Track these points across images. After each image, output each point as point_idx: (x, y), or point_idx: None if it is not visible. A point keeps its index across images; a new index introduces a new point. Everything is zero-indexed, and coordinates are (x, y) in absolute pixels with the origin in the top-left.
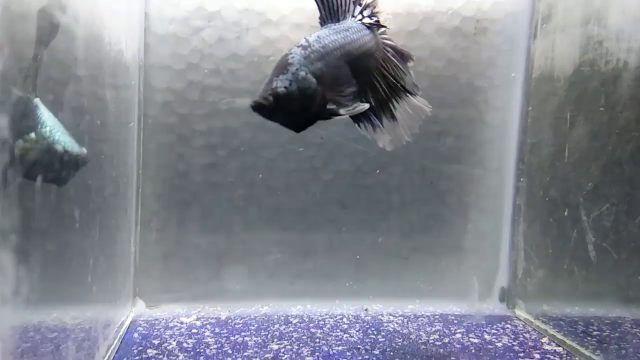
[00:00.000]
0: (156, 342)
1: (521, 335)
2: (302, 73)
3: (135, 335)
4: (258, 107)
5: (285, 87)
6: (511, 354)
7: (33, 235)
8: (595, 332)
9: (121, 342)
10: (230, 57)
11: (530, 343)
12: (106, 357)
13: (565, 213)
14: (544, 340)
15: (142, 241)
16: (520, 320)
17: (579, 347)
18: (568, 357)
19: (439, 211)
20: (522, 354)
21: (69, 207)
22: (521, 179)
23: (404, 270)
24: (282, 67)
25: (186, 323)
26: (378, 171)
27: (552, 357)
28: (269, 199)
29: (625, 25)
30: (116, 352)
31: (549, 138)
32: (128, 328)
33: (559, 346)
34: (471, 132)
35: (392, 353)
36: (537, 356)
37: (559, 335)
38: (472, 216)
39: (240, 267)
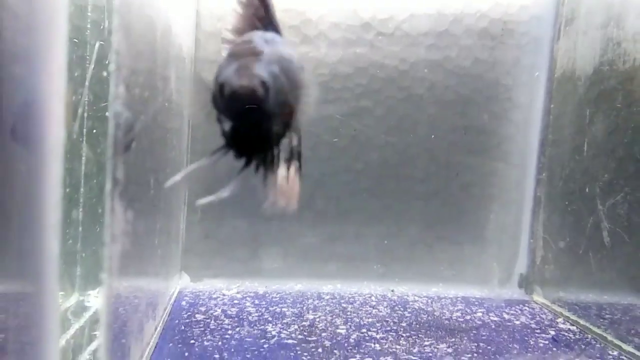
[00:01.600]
0: (203, 309)
1: (538, 316)
2: (275, 69)
3: (183, 303)
4: (251, 95)
5: (270, 77)
6: (528, 330)
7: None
8: (607, 316)
9: (172, 308)
10: None
11: (546, 322)
12: (162, 319)
13: (583, 203)
14: (559, 320)
15: (188, 220)
16: (537, 304)
17: (591, 327)
18: (581, 334)
19: (463, 202)
20: (538, 330)
21: (145, 174)
22: (542, 173)
23: (428, 256)
24: (253, 52)
25: (228, 295)
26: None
27: (566, 334)
28: (304, 186)
29: None
30: (168, 316)
31: (570, 134)
32: (176, 298)
33: (573, 325)
34: (495, 127)
35: (417, 326)
36: (553, 332)
37: (573, 317)
38: (494, 207)
39: (276, 249)
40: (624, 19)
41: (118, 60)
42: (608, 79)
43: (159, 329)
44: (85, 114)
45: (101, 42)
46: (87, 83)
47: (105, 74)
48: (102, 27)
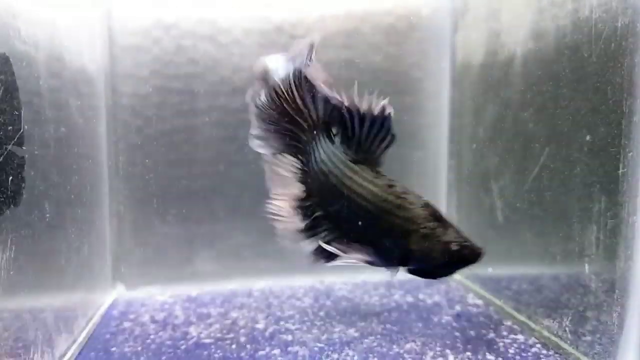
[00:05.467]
0: (132, 316)
1: (451, 293)
2: None
3: (115, 312)
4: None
5: None
6: (437, 308)
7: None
8: (514, 287)
9: (102, 319)
10: (188, 62)
11: (456, 299)
12: (86, 329)
13: (481, 185)
14: (470, 295)
15: (119, 232)
16: (455, 282)
17: (495, 300)
18: (484, 307)
19: None
20: (446, 308)
21: (37, 202)
22: (453, 159)
23: None
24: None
25: (160, 301)
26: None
27: (470, 308)
28: (231, 189)
29: (513, 20)
30: (96, 327)
31: (470, 121)
32: (109, 307)
33: (480, 299)
34: (410, 118)
35: (334, 313)
36: (459, 308)
37: (482, 292)
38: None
39: (209, 251)
40: (500, 13)
41: None
42: (492, 69)
43: (80, 340)
44: None
45: None
46: None
47: None
48: None
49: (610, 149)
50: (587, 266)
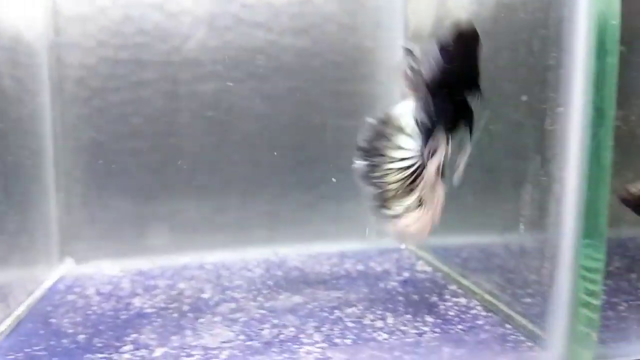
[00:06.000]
0: (77, 290)
1: (401, 262)
2: None
3: (60, 286)
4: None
5: None
6: (385, 275)
7: None
8: (462, 254)
9: (46, 292)
10: (136, 32)
11: (406, 267)
12: (26, 302)
13: None
14: (420, 262)
15: (67, 206)
16: (407, 251)
17: (442, 266)
18: (432, 274)
19: (341, 163)
20: (394, 274)
21: None
22: None
23: (311, 217)
24: None
25: (109, 275)
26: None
27: (419, 274)
28: (185, 161)
29: None
30: (39, 300)
31: None
32: (55, 282)
33: (429, 267)
34: (365, 89)
35: (283, 282)
36: (407, 274)
37: (431, 260)
38: None
39: (162, 225)
40: None
41: None
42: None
43: (18, 313)
44: None
45: None
46: None
47: None
48: None
49: (541, 105)
50: (522, 226)
